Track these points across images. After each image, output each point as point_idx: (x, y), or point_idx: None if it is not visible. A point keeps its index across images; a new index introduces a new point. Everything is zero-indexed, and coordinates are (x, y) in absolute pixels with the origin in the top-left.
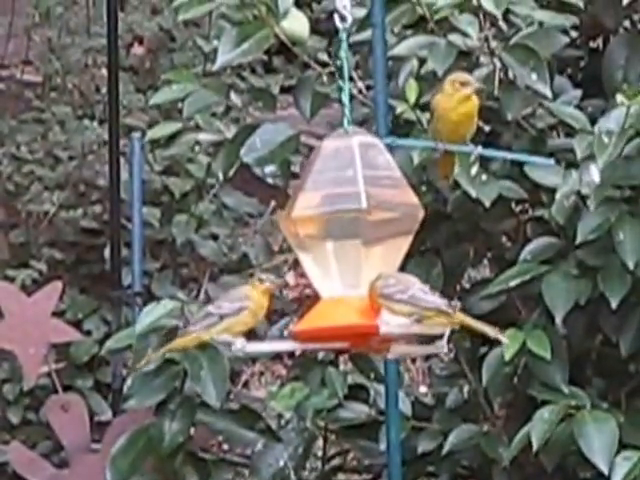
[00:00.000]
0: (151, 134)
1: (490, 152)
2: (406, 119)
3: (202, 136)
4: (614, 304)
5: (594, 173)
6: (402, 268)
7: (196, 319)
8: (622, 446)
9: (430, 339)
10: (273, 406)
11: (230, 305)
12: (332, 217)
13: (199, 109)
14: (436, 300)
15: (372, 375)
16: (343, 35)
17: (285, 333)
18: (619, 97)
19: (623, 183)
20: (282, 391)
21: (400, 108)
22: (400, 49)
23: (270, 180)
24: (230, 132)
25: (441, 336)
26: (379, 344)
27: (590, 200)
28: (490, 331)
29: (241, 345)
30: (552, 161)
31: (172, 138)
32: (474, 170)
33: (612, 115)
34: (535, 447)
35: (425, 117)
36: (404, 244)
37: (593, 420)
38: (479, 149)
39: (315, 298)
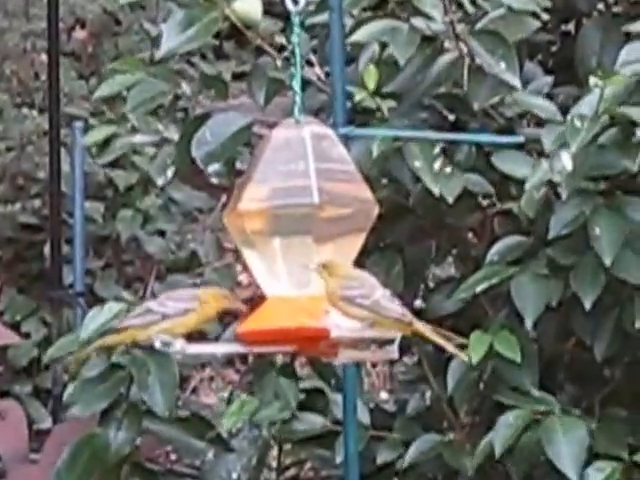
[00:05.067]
0: (86, 139)
1: (451, 136)
2: (365, 107)
3: (138, 138)
4: (587, 305)
5: (566, 160)
6: (358, 266)
7: (134, 314)
8: (595, 456)
9: (383, 343)
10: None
11: (175, 305)
12: (281, 212)
13: (145, 100)
14: (397, 309)
15: (332, 381)
16: (295, 19)
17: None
18: (592, 79)
19: (596, 173)
20: (230, 408)
21: (359, 95)
22: (360, 35)
23: (215, 180)
24: (169, 132)
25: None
26: (328, 348)
27: (562, 189)
28: (448, 346)
29: (180, 346)
30: (522, 138)
31: (107, 143)
32: (437, 164)
33: (585, 100)
34: (497, 453)
35: (386, 105)
36: (357, 242)
37: (562, 426)
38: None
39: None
